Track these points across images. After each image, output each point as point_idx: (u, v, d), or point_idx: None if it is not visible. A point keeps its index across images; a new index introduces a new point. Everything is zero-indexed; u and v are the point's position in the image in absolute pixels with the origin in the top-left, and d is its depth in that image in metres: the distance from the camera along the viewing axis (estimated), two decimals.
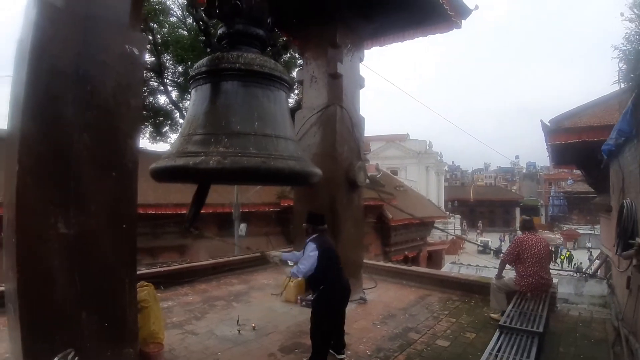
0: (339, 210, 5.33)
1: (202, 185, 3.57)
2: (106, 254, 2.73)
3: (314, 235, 3.47)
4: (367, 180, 5.62)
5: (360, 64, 5.92)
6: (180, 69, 14.88)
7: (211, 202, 12.63)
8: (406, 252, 18.86)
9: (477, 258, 31.46)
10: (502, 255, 5.08)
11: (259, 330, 4.17)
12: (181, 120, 15.73)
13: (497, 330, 3.45)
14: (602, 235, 11.52)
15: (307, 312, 4.77)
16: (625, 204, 3.88)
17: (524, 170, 58.29)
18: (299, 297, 5.20)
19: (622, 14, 3.93)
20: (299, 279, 3.41)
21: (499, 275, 4.85)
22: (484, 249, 35.08)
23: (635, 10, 3.87)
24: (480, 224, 46.38)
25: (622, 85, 5.37)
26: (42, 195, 2.43)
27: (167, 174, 3.36)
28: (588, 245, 26.19)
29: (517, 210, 45.70)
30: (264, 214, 14.46)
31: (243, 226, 9.36)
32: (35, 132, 2.41)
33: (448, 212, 33.39)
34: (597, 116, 8.06)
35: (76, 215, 2.56)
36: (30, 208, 2.39)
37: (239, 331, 4.07)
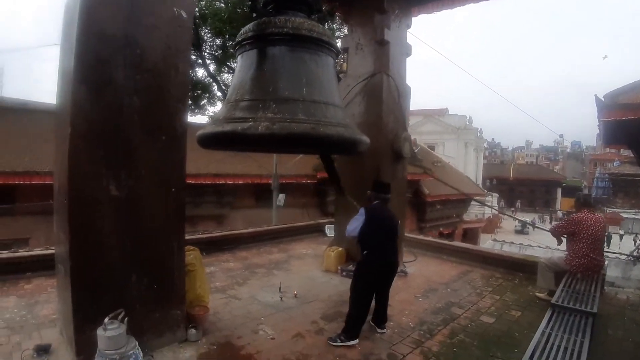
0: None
1: (324, 157, 3.78)
2: (156, 217, 2.79)
3: (374, 203, 3.46)
4: (415, 151, 5.43)
5: (407, 32, 5.59)
6: (218, 41, 14.83)
7: (249, 173, 12.89)
8: (441, 229, 18.51)
9: (515, 237, 30.61)
10: (552, 225, 4.80)
11: (300, 297, 4.22)
12: (219, 93, 15.87)
13: (549, 308, 3.27)
14: None
15: (347, 282, 4.76)
16: None
17: (568, 150, 54.81)
18: (339, 267, 5.20)
19: None
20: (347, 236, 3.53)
21: (559, 242, 4.59)
22: (522, 230, 33.95)
23: None
24: (518, 204, 44.66)
25: None
26: (94, 158, 2.47)
27: (215, 140, 3.34)
28: (629, 229, 24.60)
29: (559, 191, 43.47)
30: (300, 186, 14.54)
31: (281, 197, 9.45)
32: (86, 96, 2.43)
33: (486, 191, 32.28)
34: None
35: (127, 178, 2.61)
36: (82, 171, 2.45)
37: (281, 298, 4.13)
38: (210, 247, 5.76)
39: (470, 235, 24.72)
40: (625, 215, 27.99)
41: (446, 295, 4.56)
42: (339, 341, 3.21)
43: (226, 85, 15.40)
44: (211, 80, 15.76)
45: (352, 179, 5.44)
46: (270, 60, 3.51)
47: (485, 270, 5.63)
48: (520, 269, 5.48)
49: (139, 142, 2.66)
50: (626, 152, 34.06)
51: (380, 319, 3.54)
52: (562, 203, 38.07)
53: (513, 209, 42.91)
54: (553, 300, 3.40)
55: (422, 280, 5.11)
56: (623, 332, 3.69)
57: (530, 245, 11.07)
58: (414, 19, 5.72)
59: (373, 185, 3.58)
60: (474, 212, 26.71)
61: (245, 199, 13.91)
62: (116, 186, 2.58)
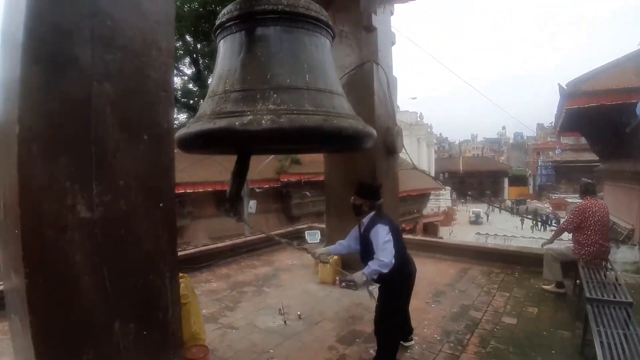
0: (379, 180, 4.80)
1: (244, 155, 2.97)
2: (141, 242, 2.13)
3: (372, 213, 2.80)
4: (404, 148, 5.09)
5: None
6: None
7: (210, 180, 12.00)
8: (403, 225, 18.66)
9: (470, 227, 31.92)
10: (562, 223, 4.67)
11: (305, 318, 3.68)
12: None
13: (587, 303, 3.02)
14: (607, 203, 11.27)
15: (349, 294, 4.35)
16: None
17: (511, 141, 58.56)
18: (337, 278, 4.71)
19: None
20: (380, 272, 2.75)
21: (551, 241, 4.46)
22: (476, 220, 35.67)
23: None
24: (470, 194, 46.71)
25: None
26: (54, 168, 1.78)
27: (203, 140, 2.77)
28: None
29: (506, 181, 46.13)
30: (262, 191, 13.88)
31: (252, 203, 8.78)
32: (40, 80, 1.75)
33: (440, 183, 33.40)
34: (616, 78, 7.69)
35: (101, 193, 1.93)
36: (38, 185, 1.75)
37: (285, 322, 3.57)
38: (185, 265, 5.02)
39: (430, 229, 25.35)
40: (569, 200, 30.17)
41: (457, 297, 4.25)
42: None
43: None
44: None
45: (346, 179, 5.00)
46: (264, 43, 2.98)
47: (483, 266, 5.43)
48: (517, 261, 5.33)
49: (114, 144, 2.00)
50: (566, 140, 36.97)
51: (406, 330, 3.13)
52: (509, 192, 40.44)
53: (463, 200, 44.82)
54: (586, 294, 3.16)
55: (425, 283, 4.76)
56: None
57: (515, 236, 11.32)
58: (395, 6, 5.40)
59: (361, 191, 2.89)
60: (429, 206, 27.46)
61: (207, 207, 13.00)
62: (86, 205, 1.90)
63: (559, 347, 3.10)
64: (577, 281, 4.41)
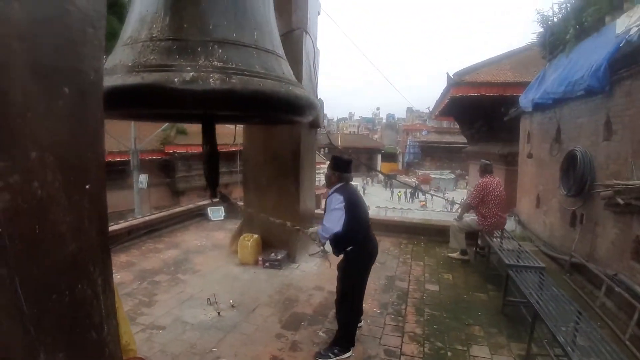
0: (302, 154, 4.60)
1: (208, 122, 2.49)
2: (64, 240, 1.48)
3: (338, 185, 2.76)
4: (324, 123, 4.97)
5: None
6: None
7: None
8: None
9: None
10: (467, 199, 5.20)
11: (238, 307, 3.34)
12: None
13: (508, 269, 3.40)
14: (472, 179, 13.23)
15: (275, 274, 4.14)
16: (578, 152, 4.23)
17: (384, 121, 64.28)
18: (260, 258, 4.43)
19: None
20: (326, 239, 2.68)
21: (460, 217, 4.96)
22: None
23: None
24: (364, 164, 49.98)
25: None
26: None
27: (123, 100, 2.19)
28: (438, 186, 30.88)
29: (379, 157, 50.72)
30: (144, 163, 12.33)
31: (143, 177, 7.70)
32: None
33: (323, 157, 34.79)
34: (493, 73, 8.93)
35: (4, 172, 1.26)
36: None
37: (219, 313, 3.16)
38: None
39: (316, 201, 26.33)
40: (433, 176, 34.81)
41: (379, 269, 4.41)
42: (332, 356, 2.61)
43: None
44: None
45: (266, 153, 4.67)
46: None
47: (391, 237, 5.78)
48: (420, 232, 5.82)
49: (22, 98, 1.33)
50: (432, 123, 42.42)
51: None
52: (382, 167, 44.55)
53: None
54: (505, 261, 3.55)
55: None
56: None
57: (410, 209, 12.38)
58: None
59: (332, 164, 2.85)
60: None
61: None
62: None
63: (483, 309, 3.47)
64: (475, 248, 5.06)
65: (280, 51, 2.83)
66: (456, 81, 8.86)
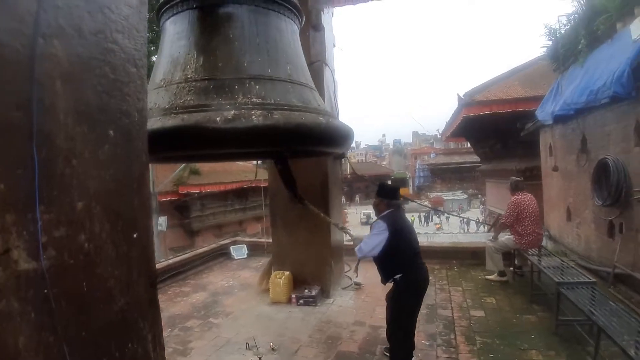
0: (330, 185, 4.52)
1: (281, 160, 3.03)
2: (112, 295, 1.36)
3: (386, 212, 2.73)
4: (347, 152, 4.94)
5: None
6: None
7: None
8: None
9: (362, 228, 33.96)
10: (502, 218, 5.04)
11: (279, 349, 3.16)
12: None
13: (557, 286, 3.21)
14: (490, 197, 13.06)
15: (312, 312, 3.97)
16: (609, 160, 4.09)
17: (391, 147, 64.75)
18: (293, 295, 4.26)
19: None
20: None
21: (495, 238, 4.78)
22: (367, 221, 38.13)
23: None
24: (357, 198, 49.84)
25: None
26: None
27: (163, 142, 2.16)
28: (450, 208, 30.57)
29: (389, 183, 50.75)
30: (161, 205, 12.35)
31: (163, 219, 7.64)
32: None
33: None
34: (503, 90, 8.96)
35: (50, 225, 1.12)
36: None
37: (260, 358, 2.99)
38: None
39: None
40: (445, 197, 34.48)
41: None
42: None
43: None
44: None
45: (300, 185, 4.59)
46: (235, 25, 2.49)
47: None
48: (451, 256, 5.62)
49: (68, 142, 1.21)
50: (439, 145, 42.55)
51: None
52: None
53: (349, 202, 47.52)
54: (555, 279, 3.36)
55: (380, 288, 4.58)
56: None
57: (436, 233, 12.15)
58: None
59: (379, 191, 2.85)
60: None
61: None
62: (28, 248, 1.08)
63: (535, 331, 3.25)
64: (512, 268, 4.83)
65: (312, 84, 2.84)
66: (467, 101, 8.88)
